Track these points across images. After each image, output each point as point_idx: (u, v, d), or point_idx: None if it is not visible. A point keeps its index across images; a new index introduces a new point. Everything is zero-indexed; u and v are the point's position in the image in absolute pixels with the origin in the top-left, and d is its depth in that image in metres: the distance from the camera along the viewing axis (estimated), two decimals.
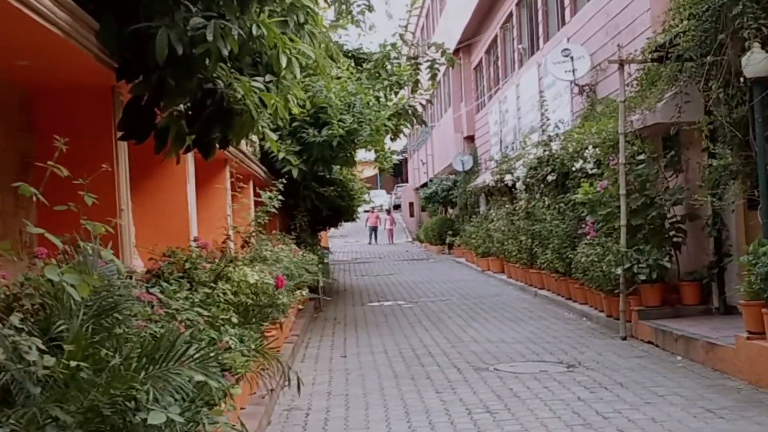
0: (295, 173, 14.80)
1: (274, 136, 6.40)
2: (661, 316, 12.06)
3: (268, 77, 6.36)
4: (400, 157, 67.38)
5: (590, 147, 14.16)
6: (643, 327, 11.95)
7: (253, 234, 9.64)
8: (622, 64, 12.28)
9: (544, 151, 18.36)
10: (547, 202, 18.23)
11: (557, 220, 16.76)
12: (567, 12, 19.64)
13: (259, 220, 9.68)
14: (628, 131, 12.39)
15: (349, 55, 17.17)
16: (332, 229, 30.88)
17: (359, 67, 16.51)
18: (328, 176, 19.62)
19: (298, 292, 10.09)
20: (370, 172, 50.13)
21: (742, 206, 11.76)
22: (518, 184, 20.34)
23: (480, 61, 33.29)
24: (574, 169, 14.95)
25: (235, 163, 11.27)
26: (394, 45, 17.94)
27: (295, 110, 7.11)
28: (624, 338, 12.19)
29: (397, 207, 63.47)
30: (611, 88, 16.34)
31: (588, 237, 13.93)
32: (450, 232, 35.21)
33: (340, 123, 14.10)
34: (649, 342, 11.68)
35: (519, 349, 11.86)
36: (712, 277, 12.02)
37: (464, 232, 31.11)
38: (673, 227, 12.53)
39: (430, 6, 44.61)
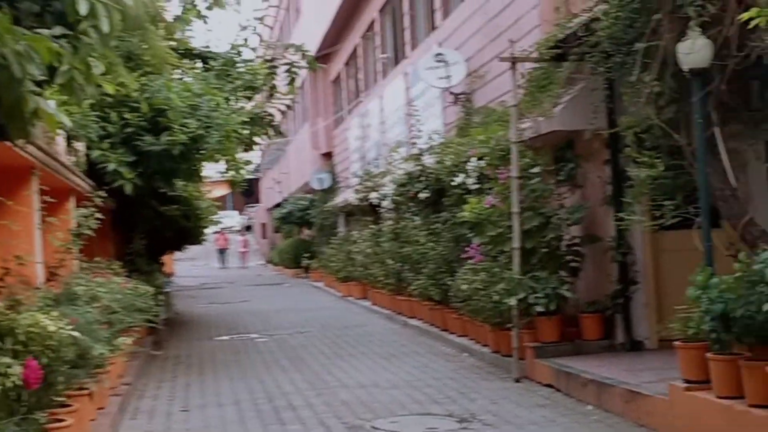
0: (128, 188, 12.44)
1: (50, 107, 4.23)
2: (559, 353, 10.39)
3: (59, 30, 4.20)
4: (252, 177, 65.12)
5: (473, 159, 12.47)
6: (540, 367, 10.24)
7: (64, 264, 7.36)
8: (515, 62, 10.62)
9: (416, 165, 16.62)
10: (418, 222, 16.47)
11: (432, 242, 15.02)
12: (438, 15, 18.04)
13: (68, 246, 7.41)
14: (519, 140, 10.72)
15: (195, 53, 14.96)
16: (178, 252, 28.39)
17: (206, 65, 14.37)
18: (170, 193, 17.27)
19: (121, 339, 7.83)
20: (220, 191, 47.57)
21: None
22: (385, 203, 18.54)
23: (339, 74, 31.54)
24: (453, 184, 13.23)
25: (44, 173, 8.90)
26: (245, 41, 15.84)
27: (110, 88, 4.95)
28: (518, 380, 10.44)
29: (248, 228, 60.97)
30: (489, 96, 14.81)
31: (472, 261, 12.19)
32: (307, 255, 33.12)
33: (183, 128, 11.87)
34: (548, 386, 9.95)
35: (398, 397, 9.92)
36: (616, 309, 10.46)
37: (323, 254, 29.16)
38: (571, 251, 10.94)
39: (284, 18, 42.60)
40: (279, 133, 16.46)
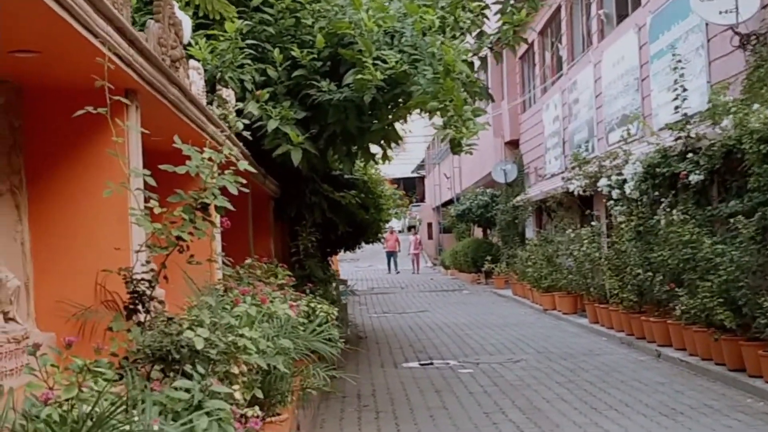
0: (296, 158, 8.52)
1: None
2: None
3: None
4: (415, 174, 61.33)
5: None
6: None
7: (161, 271, 3.41)
8: None
9: (677, 139, 12.12)
10: (680, 216, 11.87)
11: (720, 244, 10.48)
12: None
13: (177, 235, 3.47)
14: None
15: None
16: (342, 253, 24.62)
17: None
18: (347, 175, 13.33)
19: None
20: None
21: None
22: (619, 191, 14.04)
23: (530, 47, 27.01)
24: None
25: (156, 105, 5.01)
26: None
27: None
28: None
29: (411, 228, 57.33)
30: None
31: None
32: (488, 258, 28.75)
33: (379, 63, 7.80)
34: None
35: None
36: None
37: (512, 258, 24.79)
38: None
39: None
40: (489, 97, 12.25)
